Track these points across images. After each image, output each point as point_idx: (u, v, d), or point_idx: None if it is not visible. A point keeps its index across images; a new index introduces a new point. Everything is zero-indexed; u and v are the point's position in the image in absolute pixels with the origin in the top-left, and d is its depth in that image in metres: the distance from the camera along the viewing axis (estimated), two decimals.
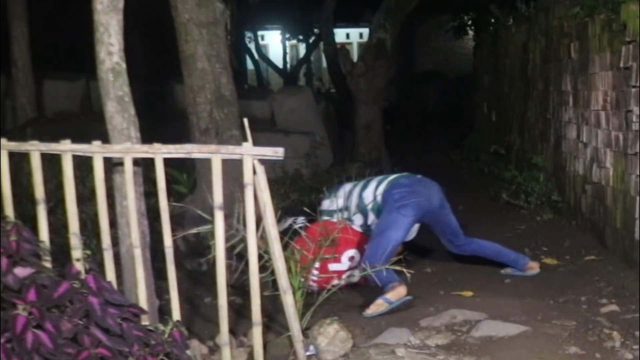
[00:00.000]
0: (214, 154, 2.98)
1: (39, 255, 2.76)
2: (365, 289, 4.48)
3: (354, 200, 4.60)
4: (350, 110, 9.52)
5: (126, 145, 3.01)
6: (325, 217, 4.53)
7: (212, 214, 3.03)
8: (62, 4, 10.89)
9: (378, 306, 4.00)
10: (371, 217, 4.53)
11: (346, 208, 4.60)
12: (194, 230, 3.60)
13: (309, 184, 7.12)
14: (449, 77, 18.20)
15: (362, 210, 4.56)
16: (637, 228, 4.49)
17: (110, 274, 3.04)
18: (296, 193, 6.60)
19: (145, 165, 3.16)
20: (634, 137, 4.52)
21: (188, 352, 2.82)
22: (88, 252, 2.93)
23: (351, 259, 4.54)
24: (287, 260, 3.34)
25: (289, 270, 3.46)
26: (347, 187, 4.73)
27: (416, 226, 4.60)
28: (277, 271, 3.15)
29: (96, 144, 3.02)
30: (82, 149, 3.04)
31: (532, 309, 3.94)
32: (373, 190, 4.53)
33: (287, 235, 3.92)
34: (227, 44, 5.49)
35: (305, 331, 3.39)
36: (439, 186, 4.66)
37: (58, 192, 3.45)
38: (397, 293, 4.05)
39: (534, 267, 4.77)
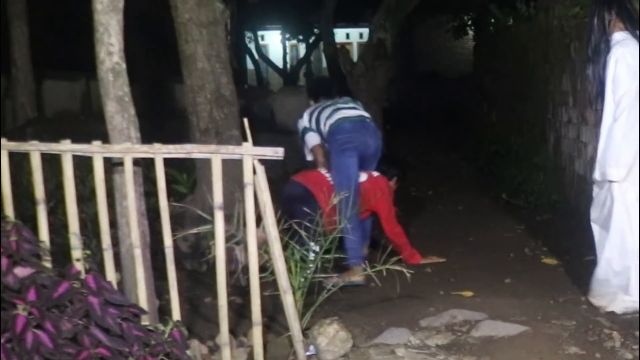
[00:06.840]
0: (214, 154, 2.98)
1: (39, 255, 2.75)
2: (366, 289, 4.48)
3: (314, 124, 5.19)
4: None
5: (126, 145, 3.01)
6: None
7: (212, 214, 3.03)
8: (62, 4, 10.89)
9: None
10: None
11: (311, 128, 5.22)
12: (194, 230, 3.59)
13: None
14: (449, 77, 18.20)
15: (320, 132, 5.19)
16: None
17: (110, 274, 3.04)
18: None
19: (145, 165, 3.16)
20: None
21: (188, 352, 2.82)
22: (88, 252, 2.92)
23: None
24: (287, 260, 3.34)
25: (289, 270, 3.45)
26: (310, 110, 5.27)
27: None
28: (277, 271, 3.14)
29: (96, 144, 3.02)
30: (82, 149, 3.04)
31: (532, 309, 3.94)
32: (324, 121, 5.10)
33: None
34: (227, 44, 5.50)
35: (305, 331, 3.38)
36: (378, 134, 5.18)
37: (58, 192, 3.45)
38: (352, 274, 4.51)
39: (352, 276, 4.56)
